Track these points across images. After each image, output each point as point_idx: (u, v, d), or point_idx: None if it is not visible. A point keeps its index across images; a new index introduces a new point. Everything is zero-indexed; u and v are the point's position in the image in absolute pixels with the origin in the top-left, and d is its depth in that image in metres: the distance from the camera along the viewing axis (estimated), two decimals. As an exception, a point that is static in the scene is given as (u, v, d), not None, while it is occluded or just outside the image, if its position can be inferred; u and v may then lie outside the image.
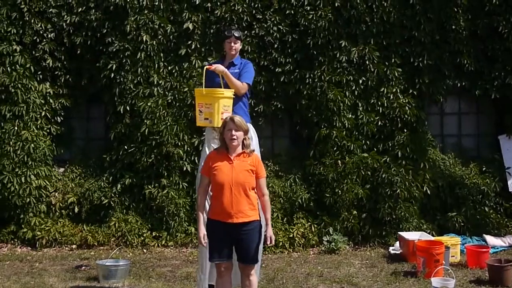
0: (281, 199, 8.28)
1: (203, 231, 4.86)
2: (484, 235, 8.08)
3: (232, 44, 5.59)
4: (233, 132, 4.75)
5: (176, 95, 8.46)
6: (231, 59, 5.64)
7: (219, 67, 5.41)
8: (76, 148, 9.14)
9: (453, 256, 7.23)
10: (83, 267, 7.20)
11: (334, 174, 8.20)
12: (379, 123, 8.45)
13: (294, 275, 6.77)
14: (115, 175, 8.48)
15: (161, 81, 8.44)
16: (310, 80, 8.44)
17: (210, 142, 5.54)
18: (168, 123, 8.28)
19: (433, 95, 8.72)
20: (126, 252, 7.95)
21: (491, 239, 7.94)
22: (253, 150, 4.95)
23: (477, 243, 7.81)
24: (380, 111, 8.46)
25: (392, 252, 7.68)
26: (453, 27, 8.58)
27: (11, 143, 8.31)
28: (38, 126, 8.54)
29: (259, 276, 5.74)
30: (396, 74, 8.47)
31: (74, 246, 8.25)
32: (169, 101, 8.44)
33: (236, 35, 5.62)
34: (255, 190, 4.85)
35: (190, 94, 8.30)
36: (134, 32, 8.40)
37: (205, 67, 5.53)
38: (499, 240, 7.98)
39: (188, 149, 8.36)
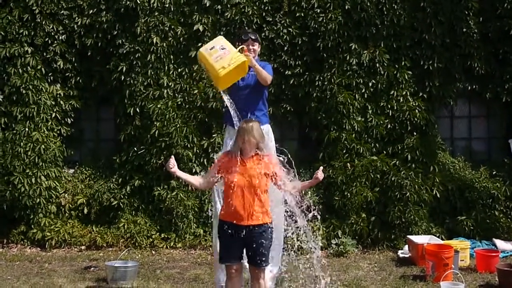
0: (290, 201, 8.26)
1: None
2: (493, 239, 8.03)
3: (251, 46, 5.57)
4: (246, 137, 4.77)
5: (186, 97, 8.48)
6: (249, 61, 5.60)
7: (251, 58, 5.38)
8: (86, 149, 9.20)
9: (463, 260, 7.19)
10: (92, 268, 7.23)
11: (343, 177, 8.19)
12: (389, 126, 8.43)
13: (302, 278, 6.75)
14: (124, 177, 8.52)
15: (171, 83, 8.47)
16: (320, 82, 8.43)
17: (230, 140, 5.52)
18: (178, 125, 8.31)
19: (443, 98, 8.68)
20: (135, 254, 7.97)
21: (501, 243, 7.89)
22: (267, 153, 4.96)
23: (486, 247, 7.76)
24: (390, 114, 8.44)
25: (401, 255, 7.65)
26: (464, 30, 8.54)
27: (21, 144, 8.37)
28: (49, 128, 8.60)
29: (273, 283, 5.72)
30: (406, 77, 8.45)
31: (83, 247, 8.29)
32: (179, 103, 8.47)
33: (253, 37, 5.61)
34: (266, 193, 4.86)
35: (200, 96, 8.33)
36: (145, 34, 8.43)
37: (242, 47, 5.40)
38: (509, 244, 7.93)
39: (198, 151, 8.38)
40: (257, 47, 5.66)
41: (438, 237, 7.90)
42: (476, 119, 9.20)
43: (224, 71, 5.19)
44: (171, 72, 8.51)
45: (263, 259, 4.82)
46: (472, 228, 8.19)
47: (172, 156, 5.19)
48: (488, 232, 8.19)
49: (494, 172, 8.61)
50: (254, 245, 4.77)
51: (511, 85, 8.61)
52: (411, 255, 7.45)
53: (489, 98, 8.78)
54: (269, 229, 4.86)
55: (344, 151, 8.31)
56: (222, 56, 5.23)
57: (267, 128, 5.61)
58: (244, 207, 4.72)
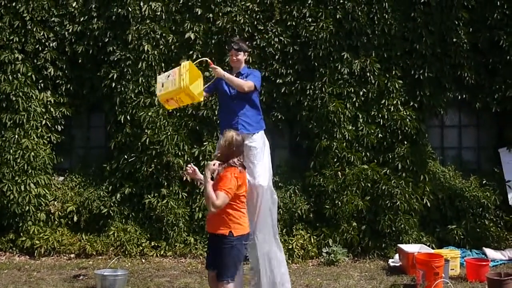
0: (280, 210, 8.26)
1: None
2: (484, 248, 8.05)
3: (233, 56, 5.59)
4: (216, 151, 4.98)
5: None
6: (237, 70, 5.62)
7: (218, 70, 5.37)
8: (76, 157, 9.15)
9: (453, 269, 7.20)
10: (81, 277, 7.18)
11: (334, 186, 8.20)
12: (380, 135, 8.46)
13: (293, 287, 6.74)
14: (114, 184, 8.48)
15: (162, 91, 8.44)
16: (311, 91, 8.45)
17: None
18: (169, 133, 8.29)
19: (433, 107, 8.72)
20: (125, 262, 7.93)
21: (491, 253, 7.92)
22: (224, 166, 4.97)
23: (476, 256, 7.79)
24: (381, 123, 8.47)
25: (392, 264, 7.65)
26: (454, 40, 8.60)
27: (11, 151, 8.32)
28: (39, 135, 8.56)
29: None
30: (397, 86, 8.49)
31: (72, 255, 8.23)
32: (170, 111, 8.45)
33: (235, 47, 5.57)
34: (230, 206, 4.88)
35: (191, 104, 8.31)
36: (136, 42, 8.43)
37: (207, 59, 5.52)
38: (498, 253, 7.95)
39: (188, 159, 8.36)
40: (241, 56, 5.60)
41: (429, 246, 7.92)
42: (466, 129, 9.25)
43: (160, 93, 5.38)
44: (162, 80, 8.48)
45: (221, 272, 4.87)
46: (462, 237, 8.22)
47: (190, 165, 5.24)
48: (478, 241, 8.22)
49: (484, 181, 8.64)
50: (215, 255, 4.95)
51: (501, 95, 8.66)
52: (401, 264, 7.46)
53: (479, 107, 8.83)
54: (228, 242, 4.84)
55: (335, 160, 8.32)
56: (167, 83, 5.33)
57: (260, 135, 5.56)
58: (209, 215, 5.00)
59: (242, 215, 4.95)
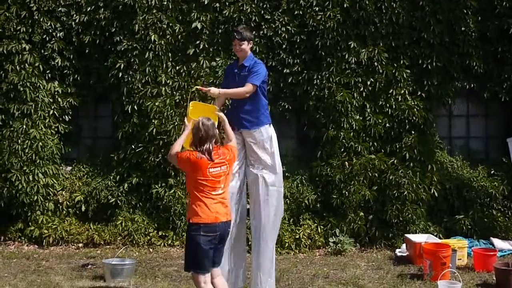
0: (287, 200, 8.27)
1: None
2: (491, 238, 8.04)
3: (237, 46, 5.52)
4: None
5: (184, 95, 8.47)
6: (241, 60, 5.56)
7: (212, 91, 5.34)
8: (83, 147, 9.18)
9: (460, 259, 7.19)
10: (89, 266, 7.23)
11: (341, 176, 8.19)
12: (387, 124, 8.43)
13: (300, 276, 6.76)
14: (122, 174, 8.50)
15: (169, 81, 8.45)
16: (318, 81, 8.43)
17: None
18: (176, 123, 8.29)
19: (441, 97, 8.68)
20: (132, 251, 7.97)
21: (498, 243, 7.90)
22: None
23: (484, 246, 7.77)
24: (388, 113, 8.43)
25: (399, 254, 7.66)
26: (463, 28, 8.54)
27: (19, 141, 8.35)
28: (46, 125, 8.58)
29: None
30: (405, 76, 8.44)
31: (80, 245, 8.28)
32: (177, 100, 8.46)
33: (238, 37, 5.47)
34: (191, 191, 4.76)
35: (198, 94, 8.30)
36: (143, 32, 8.42)
37: (197, 87, 5.78)
38: (506, 243, 7.94)
39: (195, 149, 8.35)
40: (245, 45, 5.50)
41: (436, 236, 7.91)
42: (474, 118, 9.20)
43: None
44: (169, 70, 8.49)
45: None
46: (470, 227, 8.20)
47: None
48: (486, 231, 8.20)
49: (492, 171, 8.61)
50: None
51: (509, 84, 8.60)
52: (408, 254, 7.46)
53: (487, 97, 8.77)
54: (189, 229, 4.75)
55: (342, 150, 8.30)
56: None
57: (266, 130, 5.52)
58: None
59: (202, 204, 4.66)
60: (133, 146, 8.44)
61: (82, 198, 8.48)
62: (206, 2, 8.46)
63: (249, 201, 5.70)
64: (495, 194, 8.34)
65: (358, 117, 8.37)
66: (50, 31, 8.63)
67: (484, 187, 8.38)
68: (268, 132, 5.49)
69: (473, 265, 7.06)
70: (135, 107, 8.42)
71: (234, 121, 5.35)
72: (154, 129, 8.27)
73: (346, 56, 8.40)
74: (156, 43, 8.38)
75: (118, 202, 8.36)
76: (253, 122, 5.41)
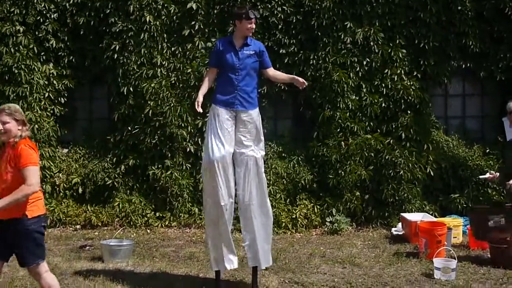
0: (284, 180, 8.30)
1: None
2: (486, 216, 8.09)
3: (253, 25, 5.42)
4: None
5: (180, 76, 8.44)
6: (245, 39, 5.44)
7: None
8: (79, 129, 9.17)
9: (455, 237, 7.26)
10: (87, 247, 7.26)
11: (338, 156, 8.21)
12: (383, 104, 8.44)
13: (297, 256, 6.81)
14: (118, 156, 8.51)
15: (164, 62, 8.42)
16: (314, 61, 8.41)
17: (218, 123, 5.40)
18: (172, 104, 8.28)
19: (437, 76, 8.69)
20: (130, 233, 8.00)
21: (493, 221, 7.95)
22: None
23: (479, 224, 7.83)
24: (384, 93, 8.44)
25: (395, 233, 7.71)
26: (459, 8, 8.51)
27: (15, 123, 8.32)
28: (42, 107, 8.56)
29: None
30: (401, 56, 8.43)
31: (78, 227, 8.31)
32: (173, 82, 8.43)
33: (258, 16, 5.53)
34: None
35: (194, 76, 8.29)
36: (138, 13, 8.36)
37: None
38: (501, 222, 8.00)
39: (192, 130, 8.37)
40: (254, 25, 5.50)
41: (431, 214, 7.96)
42: (470, 98, 9.22)
43: None
44: (164, 51, 8.45)
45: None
46: (465, 205, 8.26)
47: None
48: (481, 210, 8.25)
49: (487, 150, 8.66)
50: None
51: (505, 63, 8.61)
52: (404, 232, 7.51)
53: (483, 76, 8.78)
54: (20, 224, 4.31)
55: (338, 130, 8.32)
56: None
57: (258, 112, 5.53)
58: None
59: (41, 198, 4.40)
60: (129, 128, 8.43)
61: (79, 180, 8.49)
62: (201, -18, 8.40)
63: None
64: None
65: (354, 97, 8.38)
66: (44, 12, 8.57)
67: (480, 166, 8.42)
68: (259, 112, 5.55)
69: (468, 243, 7.12)
70: (131, 88, 8.40)
71: (235, 101, 5.33)
72: (150, 111, 8.26)
73: (342, 36, 8.37)
74: (151, 24, 8.33)
75: (115, 184, 8.38)
76: (252, 103, 5.42)
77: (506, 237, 5.40)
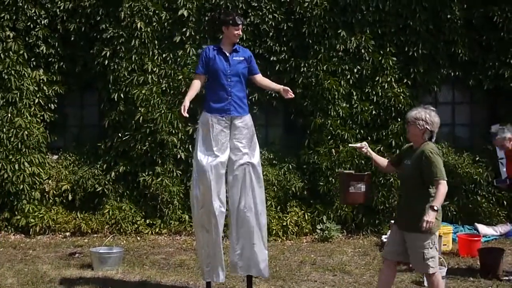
0: (274, 187, 8.30)
1: None
2: (476, 224, 8.14)
3: (240, 32, 5.47)
4: None
5: (171, 83, 8.44)
6: (233, 45, 5.48)
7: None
8: (70, 135, 9.13)
9: (445, 244, 7.28)
10: (77, 255, 7.21)
11: (328, 163, 8.23)
12: (373, 112, 8.47)
13: (288, 263, 6.81)
14: (109, 163, 8.48)
15: (155, 69, 8.41)
16: (305, 69, 8.44)
17: (207, 130, 5.39)
18: (163, 111, 8.27)
19: (427, 84, 8.73)
20: (120, 240, 7.96)
21: (482, 228, 8.01)
22: None
23: (469, 232, 7.87)
24: (375, 100, 8.48)
25: (385, 240, 7.71)
26: (448, 16, 8.57)
27: (4, 130, 8.28)
28: (32, 113, 8.51)
29: None
30: (391, 63, 8.48)
31: (67, 234, 8.26)
32: (164, 88, 8.42)
33: (244, 23, 5.61)
34: None
35: (185, 82, 8.28)
36: (129, 19, 8.35)
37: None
38: (490, 229, 8.05)
39: (183, 137, 8.36)
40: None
41: (422, 222, 7.97)
42: (460, 106, 9.28)
43: None
44: (155, 58, 8.45)
45: None
46: (454, 213, 8.30)
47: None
48: (471, 217, 8.30)
49: (477, 158, 8.70)
50: None
51: (494, 72, 8.67)
52: (394, 240, 7.52)
53: (472, 85, 8.84)
54: None
55: (329, 137, 8.34)
56: None
57: (250, 117, 5.55)
58: None
59: None
60: (119, 135, 8.41)
61: (68, 187, 8.44)
62: (192, -11, 8.41)
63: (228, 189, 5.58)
64: (480, 180, 8.42)
65: (345, 104, 8.41)
66: (35, 18, 8.54)
67: (469, 174, 8.46)
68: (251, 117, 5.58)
69: (458, 251, 7.15)
70: (122, 95, 8.38)
71: (230, 107, 5.34)
72: (141, 117, 8.24)
73: (333, 43, 8.41)
74: (142, 30, 8.33)
75: (105, 190, 8.34)
76: (245, 108, 5.47)
77: (360, 202, 5.53)
